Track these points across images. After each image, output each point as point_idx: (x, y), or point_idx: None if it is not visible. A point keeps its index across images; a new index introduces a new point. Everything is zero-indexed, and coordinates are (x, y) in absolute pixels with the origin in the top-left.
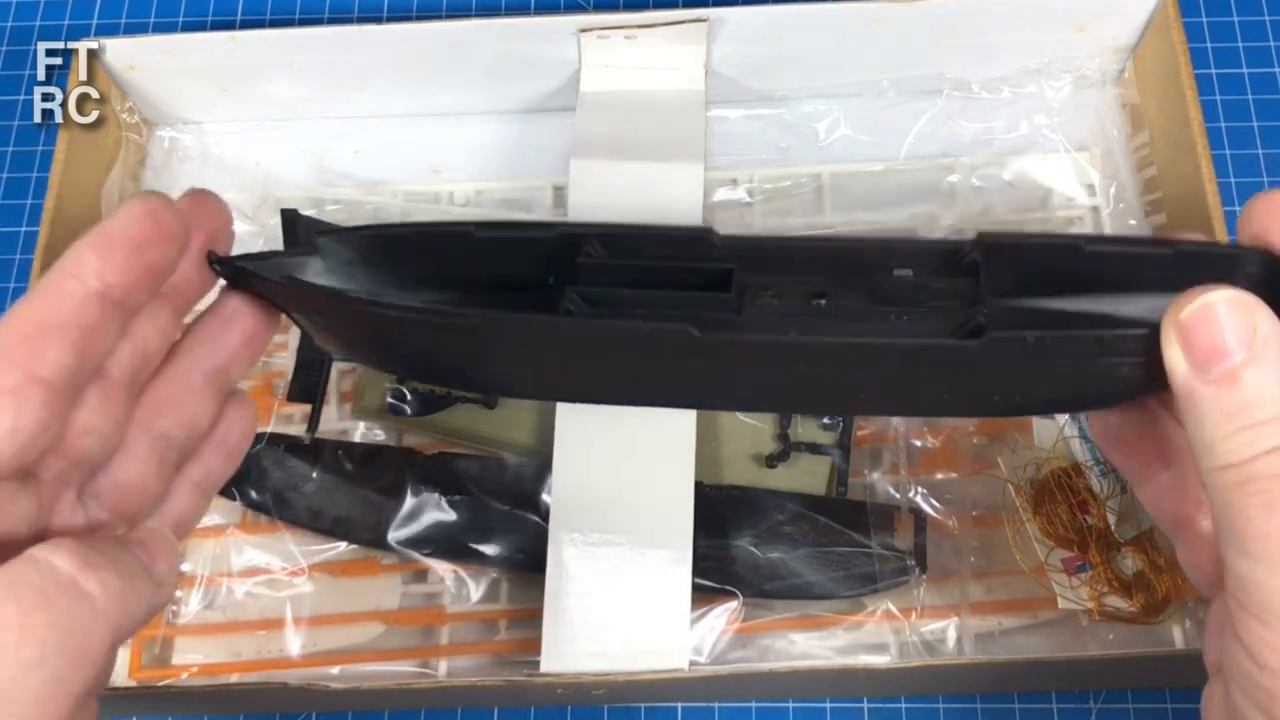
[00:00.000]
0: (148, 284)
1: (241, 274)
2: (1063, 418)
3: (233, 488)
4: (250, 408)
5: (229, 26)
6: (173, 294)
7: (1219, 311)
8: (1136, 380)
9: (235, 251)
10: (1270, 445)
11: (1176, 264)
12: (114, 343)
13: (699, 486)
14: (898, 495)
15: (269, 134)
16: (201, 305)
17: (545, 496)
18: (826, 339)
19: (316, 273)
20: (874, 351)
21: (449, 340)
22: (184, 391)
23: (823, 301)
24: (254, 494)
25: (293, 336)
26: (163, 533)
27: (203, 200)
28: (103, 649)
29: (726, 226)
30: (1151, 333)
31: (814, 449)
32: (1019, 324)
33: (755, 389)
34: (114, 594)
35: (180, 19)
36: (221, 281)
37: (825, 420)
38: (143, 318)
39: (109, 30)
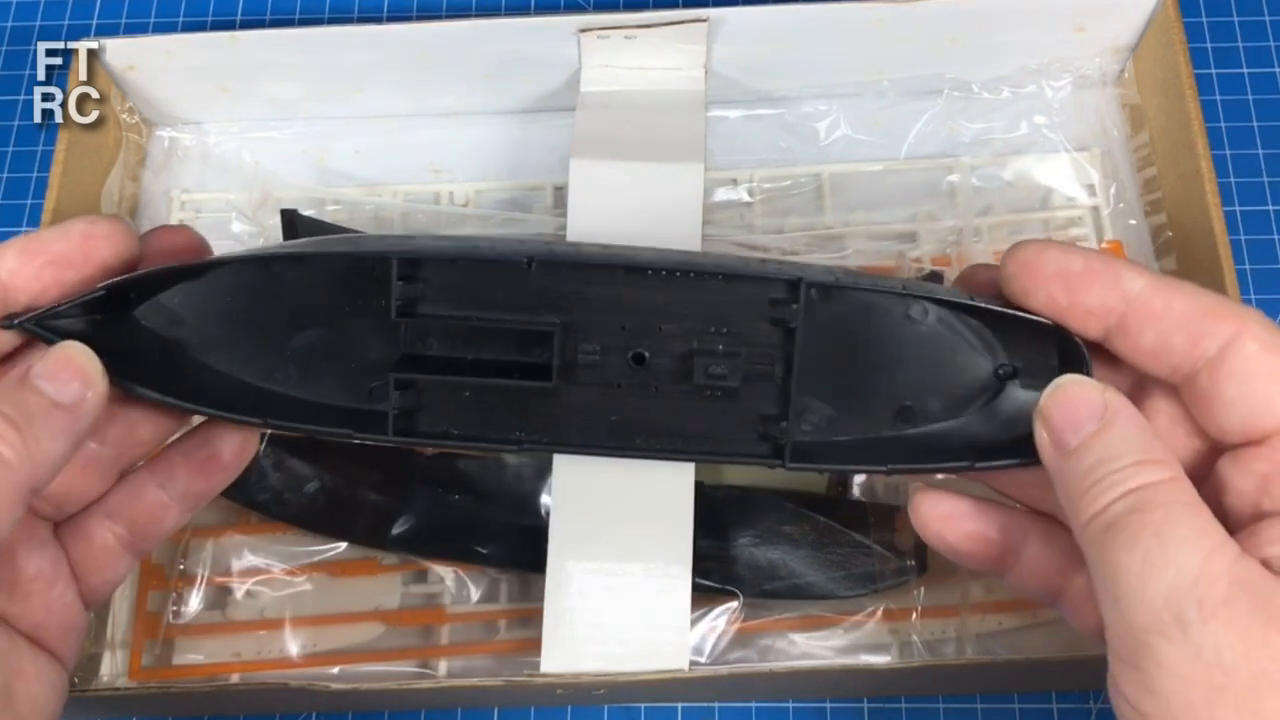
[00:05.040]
0: (55, 296)
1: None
2: None
3: (233, 488)
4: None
5: (229, 26)
6: None
7: (1069, 392)
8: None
9: (236, 252)
10: (1126, 488)
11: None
12: None
13: (699, 486)
14: (898, 495)
15: (269, 134)
16: None
17: (545, 497)
18: (638, 452)
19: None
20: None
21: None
22: None
23: (643, 364)
24: (254, 494)
25: None
26: (64, 352)
27: (169, 234)
28: (17, 500)
29: (725, 227)
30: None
31: None
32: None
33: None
34: (21, 451)
35: (180, 19)
36: None
37: None
38: None
39: (109, 30)
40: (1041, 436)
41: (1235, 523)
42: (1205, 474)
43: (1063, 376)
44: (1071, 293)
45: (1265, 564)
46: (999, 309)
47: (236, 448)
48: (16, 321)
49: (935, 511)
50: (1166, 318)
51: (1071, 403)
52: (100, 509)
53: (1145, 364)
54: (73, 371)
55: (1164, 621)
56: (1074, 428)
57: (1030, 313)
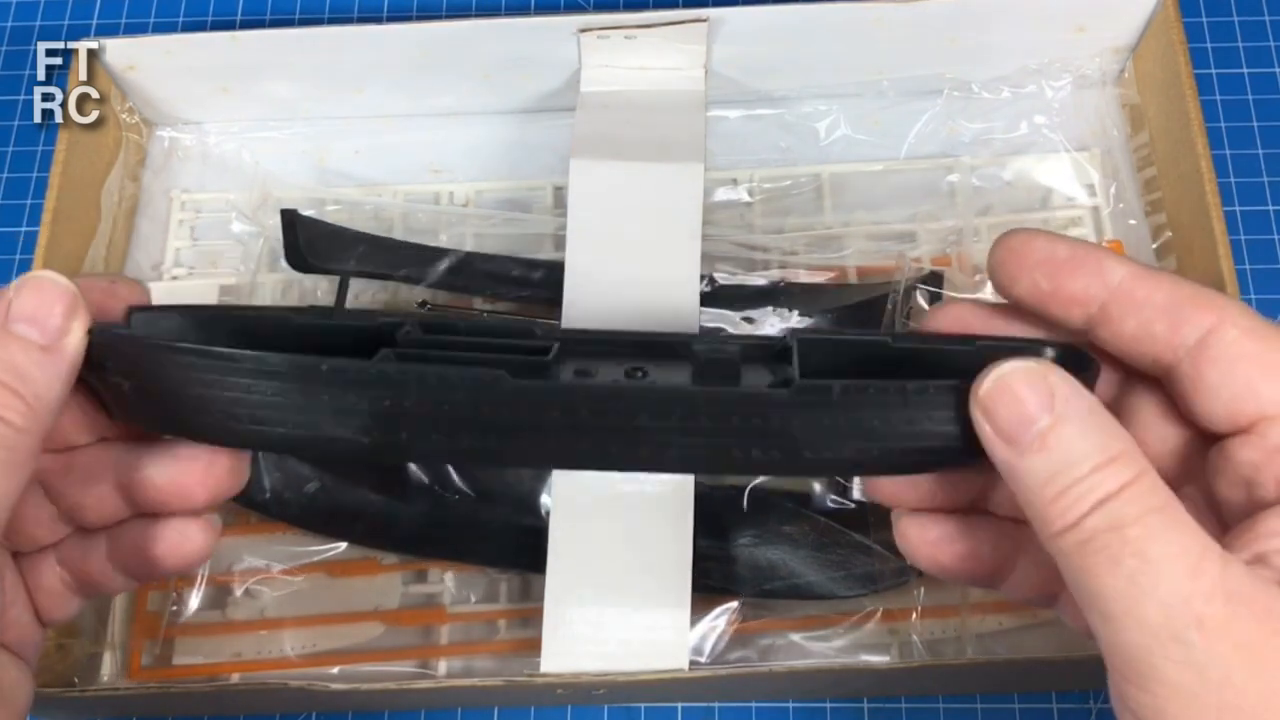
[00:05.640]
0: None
1: None
2: None
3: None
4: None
5: (229, 26)
6: None
7: (1014, 382)
8: (948, 442)
9: (236, 252)
10: (1095, 499)
11: (980, 356)
12: None
13: (699, 486)
14: None
15: (269, 134)
16: None
17: (545, 497)
18: (639, 384)
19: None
20: (684, 400)
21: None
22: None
23: (641, 374)
24: (254, 494)
25: None
26: (37, 284)
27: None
28: (32, 456)
29: (725, 227)
30: (958, 386)
31: None
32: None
33: (569, 447)
34: (26, 413)
35: (180, 19)
36: None
37: None
38: None
39: (109, 30)
40: (985, 430)
41: (1230, 514)
42: (1196, 466)
43: (1001, 365)
44: (1055, 278)
45: (1261, 559)
46: (993, 342)
47: (172, 547)
48: None
49: (925, 537)
50: (1148, 305)
51: (1017, 395)
52: (52, 553)
53: (1128, 353)
54: (51, 304)
55: (1163, 642)
56: (1024, 423)
57: (1012, 341)
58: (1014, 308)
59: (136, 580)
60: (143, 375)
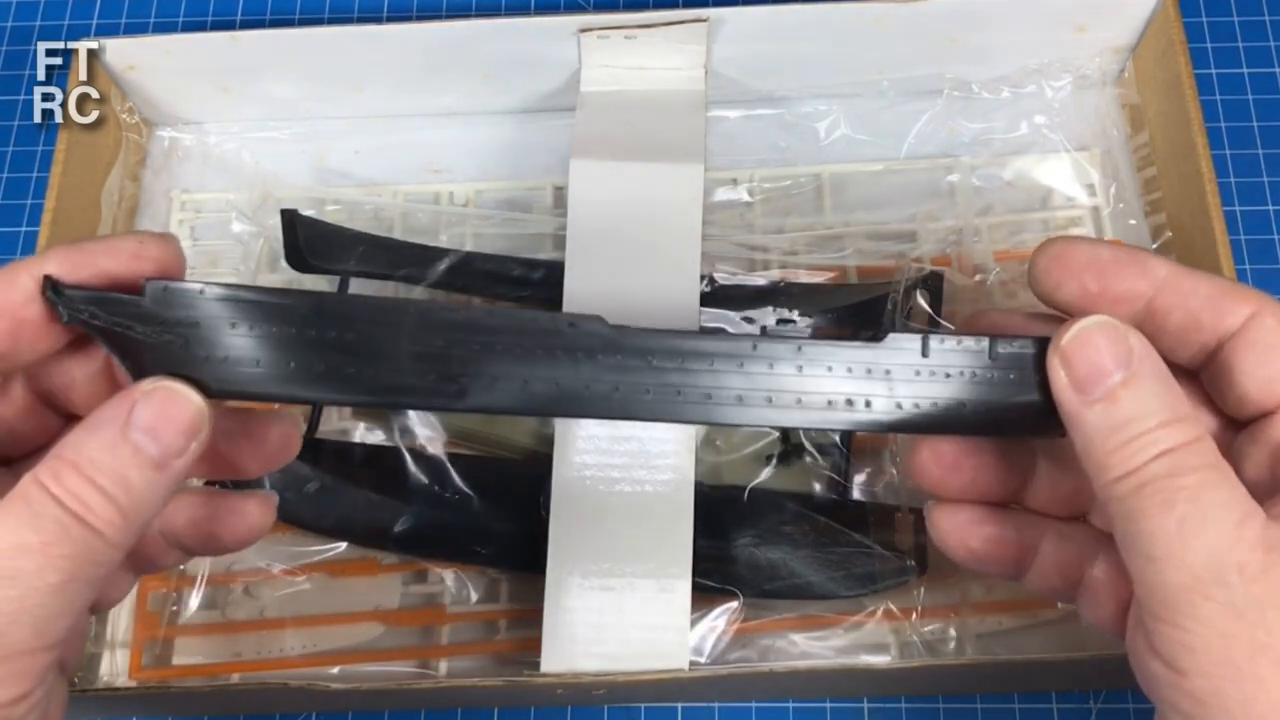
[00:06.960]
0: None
1: (97, 304)
2: None
3: (233, 488)
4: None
5: (229, 26)
6: None
7: (1095, 336)
8: (1026, 395)
9: (236, 252)
10: (1158, 450)
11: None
12: (43, 346)
13: (699, 486)
14: (898, 495)
15: (269, 134)
16: None
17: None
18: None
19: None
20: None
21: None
22: None
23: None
24: None
25: None
26: (168, 399)
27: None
28: (111, 569)
29: (725, 227)
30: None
31: (816, 449)
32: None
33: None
34: (121, 529)
35: (180, 19)
36: None
37: None
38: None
39: (109, 30)
40: (1060, 378)
41: (1256, 495)
42: (1224, 454)
43: (1087, 319)
44: (1103, 280)
45: None
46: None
47: (230, 525)
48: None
49: (955, 520)
50: (1194, 296)
51: (1097, 348)
52: None
53: (1170, 347)
54: (175, 421)
55: (1205, 583)
56: (1100, 376)
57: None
58: (1038, 315)
59: (192, 554)
60: (204, 326)
